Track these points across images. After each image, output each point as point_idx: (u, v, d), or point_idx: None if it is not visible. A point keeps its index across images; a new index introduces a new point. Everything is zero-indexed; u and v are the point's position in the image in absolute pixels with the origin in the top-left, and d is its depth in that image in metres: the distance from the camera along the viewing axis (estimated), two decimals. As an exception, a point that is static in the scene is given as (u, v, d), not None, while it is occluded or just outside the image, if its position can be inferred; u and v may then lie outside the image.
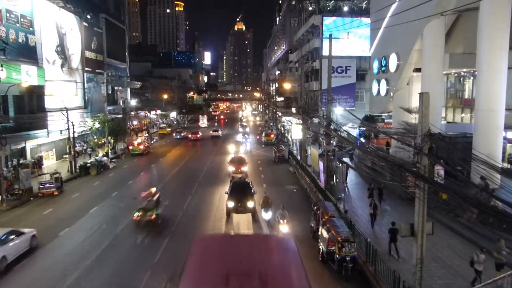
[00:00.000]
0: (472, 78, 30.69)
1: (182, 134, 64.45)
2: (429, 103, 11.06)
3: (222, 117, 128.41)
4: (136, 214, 20.91)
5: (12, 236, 16.92)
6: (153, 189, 22.79)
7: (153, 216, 20.92)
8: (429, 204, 11.67)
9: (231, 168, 33.66)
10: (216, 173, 36.10)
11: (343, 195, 23.95)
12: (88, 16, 51.65)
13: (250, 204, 22.20)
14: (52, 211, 24.39)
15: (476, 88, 25.18)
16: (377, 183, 22.70)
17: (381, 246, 16.75)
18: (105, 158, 39.07)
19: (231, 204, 22.25)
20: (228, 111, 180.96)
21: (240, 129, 78.84)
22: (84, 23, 48.22)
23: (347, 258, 14.74)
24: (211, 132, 67.77)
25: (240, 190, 23.09)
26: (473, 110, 27.02)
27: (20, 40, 33.15)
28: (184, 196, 27.69)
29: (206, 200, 26.88)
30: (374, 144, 32.63)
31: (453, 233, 18.52)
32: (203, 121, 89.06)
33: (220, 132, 68.16)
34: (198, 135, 62.39)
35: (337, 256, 14.94)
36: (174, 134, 66.18)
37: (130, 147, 48.01)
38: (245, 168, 33.67)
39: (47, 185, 27.75)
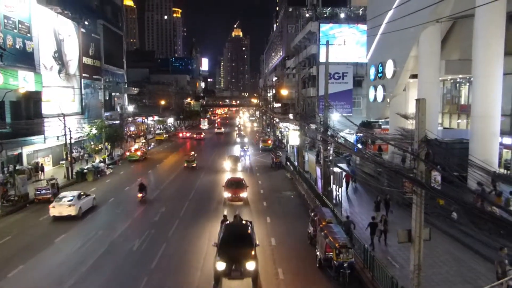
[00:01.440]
0: (468, 84, 30.87)
1: (188, 134, 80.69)
2: (426, 109, 11.10)
3: (217, 126, 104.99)
4: (185, 163, 41.17)
5: (83, 196, 25.29)
6: (192, 152, 46.18)
7: (194, 164, 41.23)
8: (426, 210, 11.66)
9: (226, 194, 27.23)
10: (211, 185, 36.05)
11: (338, 200, 23.93)
12: (86, 22, 51.72)
13: (250, 265, 14.75)
14: (48, 217, 24.17)
15: (472, 94, 25.32)
16: (383, 193, 21.31)
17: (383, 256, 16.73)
18: (102, 164, 38.94)
19: (221, 265, 14.67)
20: (227, 116, 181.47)
21: (238, 140, 71.14)
22: (82, 29, 48.28)
23: (345, 264, 14.70)
24: (216, 129, 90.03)
25: (236, 241, 15.73)
26: (469, 116, 27.15)
27: (17, 46, 33.15)
28: (182, 201, 27.67)
29: (202, 206, 26.85)
30: (371, 150, 32.70)
31: (450, 238, 18.53)
32: (204, 124, 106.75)
33: (223, 129, 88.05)
34: (202, 135, 76.56)
35: (335, 262, 14.89)
36: (180, 134, 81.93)
37: (128, 153, 48.18)
38: (244, 194, 27.25)
39: (43, 191, 27.60)
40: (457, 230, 18.71)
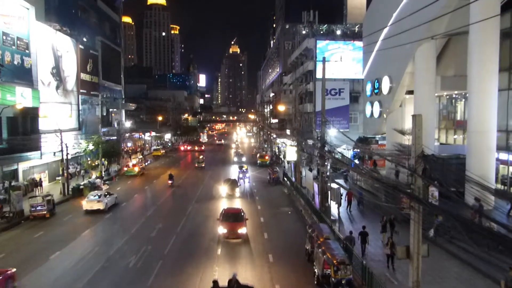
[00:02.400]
0: (463, 100, 31.13)
1: (189, 147, 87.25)
2: (422, 124, 11.17)
3: (217, 138, 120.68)
4: (196, 164, 53.54)
5: (107, 195, 30.77)
6: (201, 157, 56.94)
7: (203, 164, 53.17)
8: (424, 225, 11.61)
9: (221, 230, 22.57)
10: (211, 194, 35.87)
11: (337, 216, 23.79)
12: (84, 39, 52.09)
13: None
14: (43, 234, 23.96)
15: (468, 109, 25.50)
16: (387, 214, 20.49)
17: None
18: (98, 180, 38.73)
19: None
20: (225, 131, 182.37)
21: (235, 159, 64.24)
22: (80, 46, 48.60)
23: (343, 281, 14.55)
24: (216, 141, 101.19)
25: None
26: (465, 132, 27.29)
27: (15, 62, 33.28)
28: (178, 218, 27.45)
29: (203, 213, 26.63)
30: (368, 165, 32.72)
31: (449, 255, 18.41)
32: (204, 138, 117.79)
33: (223, 141, 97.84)
34: (202, 147, 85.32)
35: (333, 279, 14.74)
36: (181, 147, 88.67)
37: (125, 168, 48.41)
38: (243, 230, 22.46)
39: (38, 208, 27.33)
40: (455, 247, 18.61)
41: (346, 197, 27.08)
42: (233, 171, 50.06)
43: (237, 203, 31.69)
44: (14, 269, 16.38)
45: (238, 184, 36.73)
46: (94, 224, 26.30)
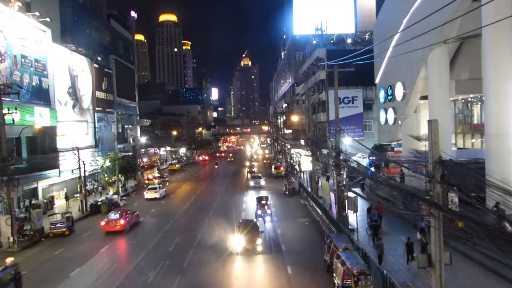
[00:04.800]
0: (479, 103, 30.64)
1: (207, 157, 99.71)
2: (438, 129, 11.02)
3: (229, 155, 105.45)
4: (228, 159, 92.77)
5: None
6: (230, 155, 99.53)
7: (232, 159, 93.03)
8: (445, 233, 11.37)
9: None
10: (226, 208, 35.72)
11: (355, 226, 23.44)
12: (99, 58, 53.21)
13: None
14: (63, 251, 24.23)
15: (484, 113, 25.08)
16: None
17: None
18: (115, 196, 39.15)
19: None
20: (240, 142, 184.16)
21: (251, 183, 47.07)
22: (95, 65, 49.62)
23: (364, 292, 14.29)
24: (228, 159, 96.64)
25: None
26: (483, 135, 26.82)
27: (34, 84, 34.13)
28: (194, 232, 27.46)
29: (219, 231, 26.56)
30: (385, 173, 32.32)
31: (472, 262, 17.95)
32: (223, 147, 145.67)
33: (233, 159, 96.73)
34: (223, 154, 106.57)
35: (354, 290, 14.49)
36: (200, 157, 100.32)
37: (147, 181, 51.96)
38: None
39: (58, 225, 27.71)
40: (479, 254, 18.14)
41: (376, 212, 23.20)
42: (249, 203, 36.82)
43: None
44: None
45: (261, 232, 23.14)
46: (113, 241, 26.47)
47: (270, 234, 26.30)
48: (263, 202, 30.39)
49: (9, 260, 16.71)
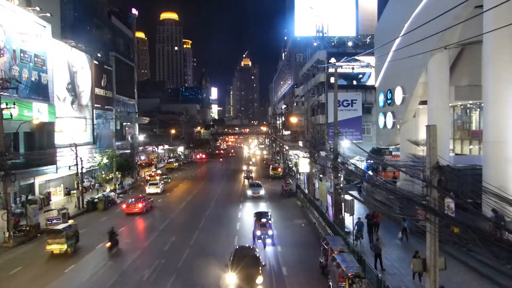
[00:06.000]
0: (478, 109, 30.70)
1: (204, 155, 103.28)
2: (437, 135, 11.04)
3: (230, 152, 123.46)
4: (230, 154, 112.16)
5: (163, 182, 46.52)
6: (232, 150, 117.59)
7: (234, 154, 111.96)
8: (441, 238, 11.39)
9: None
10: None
11: (351, 229, 23.44)
12: (99, 55, 53.16)
13: None
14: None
15: (483, 119, 25.12)
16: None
17: None
18: (112, 193, 39.08)
19: None
20: (239, 141, 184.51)
21: (249, 192, 40.46)
22: (95, 61, 49.56)
23: (358, 295, 14.29)
24: (230, 154, 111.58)
25: None
26: (481, 142, 26.86)
27: (32, 79, 34.05)
28: (191, 231, 27.45)
29: (215, 229, 26.56)
30: (382, 177, 32.35)
31: (467, 268, 17.98)
32: (223, 146, 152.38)
33: (235, 154, 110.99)
34: (222, 152, 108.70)
35: (348, 293, 14.49)
36: (198, 156, 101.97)
37: (148, 178, 52.44)
38: None
39: (54, 221, 27.62)
40: (473, 260, 18.18)
41: (374, 221, 22.53)
42: (246, 220, 30.66)
43: None
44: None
45: (263, 265, 17.80)
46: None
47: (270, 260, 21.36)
48: (264, 220, 24.35)
49: (71, 221, 25.55)
